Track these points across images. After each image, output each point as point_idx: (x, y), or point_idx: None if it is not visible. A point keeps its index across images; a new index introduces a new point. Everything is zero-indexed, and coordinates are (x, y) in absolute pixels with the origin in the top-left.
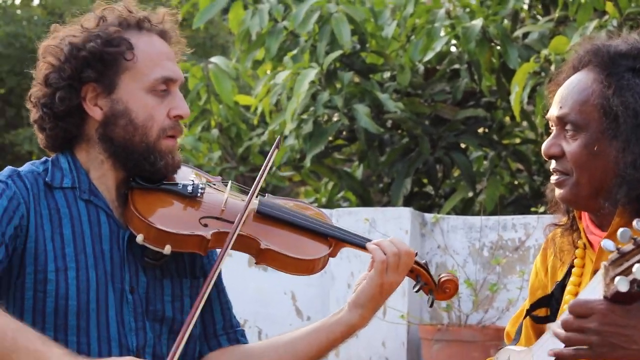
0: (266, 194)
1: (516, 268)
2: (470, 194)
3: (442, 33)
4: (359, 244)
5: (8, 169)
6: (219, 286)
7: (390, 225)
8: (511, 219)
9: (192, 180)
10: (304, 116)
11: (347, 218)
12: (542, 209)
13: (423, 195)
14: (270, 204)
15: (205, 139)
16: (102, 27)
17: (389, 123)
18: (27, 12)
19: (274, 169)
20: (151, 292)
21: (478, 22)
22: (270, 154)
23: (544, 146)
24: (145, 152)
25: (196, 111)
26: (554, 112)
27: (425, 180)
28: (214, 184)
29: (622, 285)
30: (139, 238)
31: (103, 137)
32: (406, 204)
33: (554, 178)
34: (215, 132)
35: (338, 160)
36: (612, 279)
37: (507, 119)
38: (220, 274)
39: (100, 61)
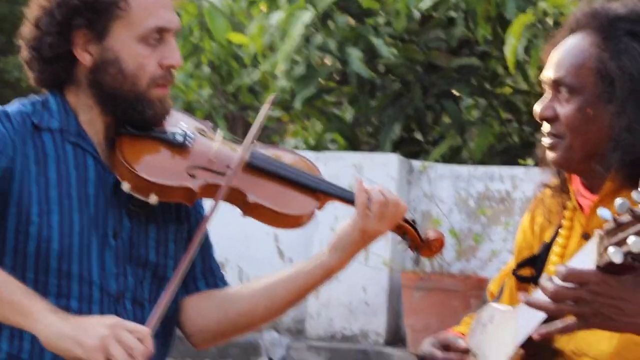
0: (255, 142)
1: (501, 219)
2: (459, 142)
3: None
4: (348, 198)
5: None
6: (205, 242)
7: (377, 172)
8: (498, 169)
9: (182, 129)
10: (297, 58)
11: (335, 163)
12: (530, 162)
13: (412, 141)
14: (262, 156)
15: (196, 75)
16: None
17: (381, 68)
18: None
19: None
20: (135, 237)
21: None
22: (263, 110)
23: (536, 108)
24: (135, 101)
25: (188, 47)
26: (549, 74)
27: (414, 127)
28: (205, 131)
29: (616, 256)
30: (125, 186)
31: (92, 84)
32: (394, 149)
33: (546, 141)
34: (206, 69)
35: (328, 103)
36: (606, 248)
37: (500, 68)
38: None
39: (91, 9)
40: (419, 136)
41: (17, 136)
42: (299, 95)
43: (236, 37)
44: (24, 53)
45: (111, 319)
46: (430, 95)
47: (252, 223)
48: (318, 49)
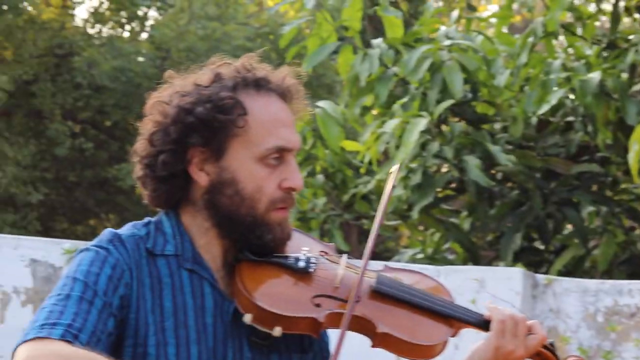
0: (384, 266)
1: (632, 336)
2: (583, 252)
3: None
4: (481, 324)
5: (108, 232)
6: None
7: (500, 286)
8: (627, 283)
9: (304, 253)
10: (413, 165)
11: (455, 276)
12: None
13: (532, 251)
14: (388, 281)
15: (310, 184)
16: (216, 87)
17: (499, 175)
18: (135, 47)
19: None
20: None
21: (595, 76)
22: (389, 188)
23: None
24: (252, 224)
25: (302, 155)
26: None
27: (535, 235)
28: (328, 255)
29: None
30: (247, 318)
31: (208, 205)
32: (515, 259)
33: None
34: (320, 177)
35: (445, 212)
36: None
37: (621, 174)
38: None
39: (208, 128)
40: (539, 245)
41: (132, 262)
42: (416, 205)
43: (350, 145)
44: (138, 170)
45: None
46: (550, 203)
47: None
48: (434, 157)
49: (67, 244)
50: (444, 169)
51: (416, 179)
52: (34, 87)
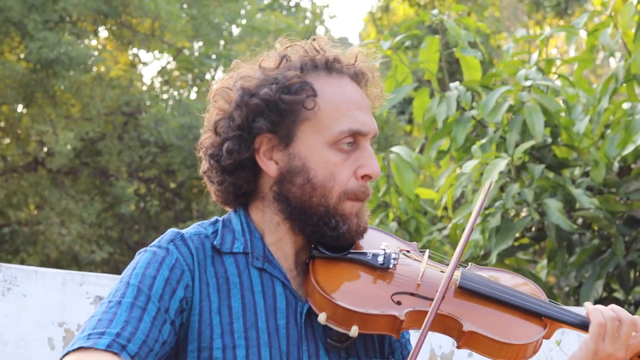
0: (469, 264)
1: None
2: None
3: None
4: (579, 324)
5: (170, 231)
6: None
7: (580, 338)
8: None
9: (384, 249)
10: (491, 209)
11: None
12: None
13: (612, 301)
14: (475, 277)
15: None
16: (283, 69)
17: (579, 221)
18: (202, 103)
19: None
20: None
21: None
22: (481, 200)
23: None
24: (325, 215)
25: (374, 202)
26: None
27: (615, 286)
28: (409, 253)
29: None
30: (322, 317)
31: (278, 196)
32: None
33: None
34: (393, 225)
35: (521, 261)
36: None
37: None
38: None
39: (275, 110)
40: (619, 295)
41: (195, 261)
42: (494, 250)
43: (425, 193)
44: (203, 164)
45: None
46: (632, 250)
47: None
48: (514, 199)
49: None
50: (523, 214)
51: (495, 222)
52: (101, 144)
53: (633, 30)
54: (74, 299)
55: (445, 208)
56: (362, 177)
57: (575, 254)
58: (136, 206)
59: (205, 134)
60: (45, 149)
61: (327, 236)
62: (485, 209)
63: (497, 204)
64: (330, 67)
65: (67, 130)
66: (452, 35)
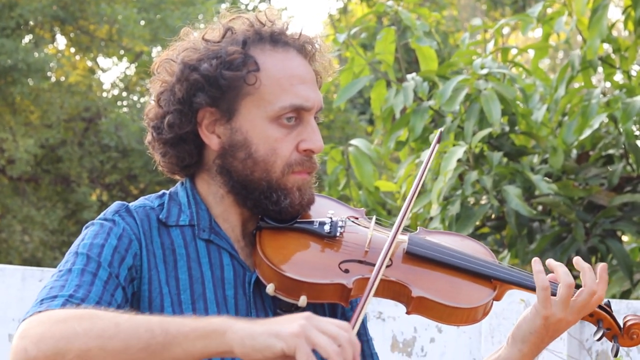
0: (418, 228)
1: None
2: (628, 286)
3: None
4: (530, 285)
5: (115, 204)
6: (362, 337)
7: None
8: None
9: (330, 217)
10: (449, 199)
11: (502, 299)
12: None
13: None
14: (422, 241)
15: None
16: (225, 42)
17: (539, 208)
18: None
19: None
20: None
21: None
22: (430, 151)
23: None
24: (267, 190)
25: (334, 196)
26: None
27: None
28: (358, 220)
29: None
30: (270, 288)
31: (221, 170)
32: None
33: None
34: None
35: None
36: None
37: None
38: (364, 322)
39: (215, 86)
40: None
41: (141, 232)
42: None
43: (385, 185)
44: (148, 134)
45: (304, 314)
46: (592, 236)
47: None
48: (472, 188)
49: None
50: (483, 202)
51: (454, 209)
52: (61, 151)
53: (587, 17)
54: (33, 295)
55: (405, 199)
56: (304, 151)
57: (535, 240)
58: (98, 212)
59: (149, 104)
60: (6, 157)
61: (269, 210)
62: (445, 198)
63: (456, 192)
64: (276, 39)
65: (26, 137)
66: (408, 26)
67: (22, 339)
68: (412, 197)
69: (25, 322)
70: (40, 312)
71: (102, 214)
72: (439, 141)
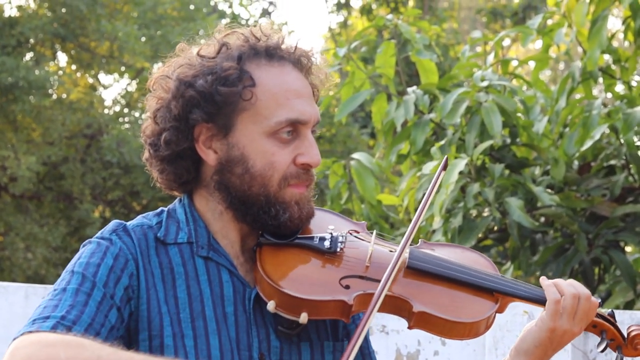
0: (420, 241)
1: None
2: (632, 296)
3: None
4: (532, 297)
5: (113, 222)
6: (364, 350)
7: None
8: None
9: (330, 232)
10: (452, 211)
11: (506, 311)
12: None
13: None
14: (423, 255)
15: None
16: (221, 57)
17: (541, 219)
18: None
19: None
20: (286, 358)
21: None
22: (435, 178)
23: None
24: (266, 204)
25: (337, 210)
26: None
27: (580, 281)
28: (358, 234)
29: None
30: (270, 306)
31: (219, 185)
32: None
33: None
34: None
35: None
36: None
37: None
38: (367, 336)
39: (211, 102)
40: None
41: (138, 251)
42: None
43: (387, 199)
44: (146, 151)
45: None
46: (595, 247)
47: None
48: (475, 199)
49: None
50: (485, 214)
51: (456, 222)
52: (63, 168)
53: (587, 29)
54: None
55: (408, 212)
56: (302, 164)
57: (538, 252)
58: (101, 229)
59: (146, 121)
60: (8, 174)
61: (268, 225)
62: (447, 211)
63: (459, 205)
64: (271, 54)
65: (28, 155)
66: (408, 40)
67: (11, 357)
68: (416, 223)
69: (16, 341)
70: (31, 332)
71: (99, 232)
72: (444, 168)
